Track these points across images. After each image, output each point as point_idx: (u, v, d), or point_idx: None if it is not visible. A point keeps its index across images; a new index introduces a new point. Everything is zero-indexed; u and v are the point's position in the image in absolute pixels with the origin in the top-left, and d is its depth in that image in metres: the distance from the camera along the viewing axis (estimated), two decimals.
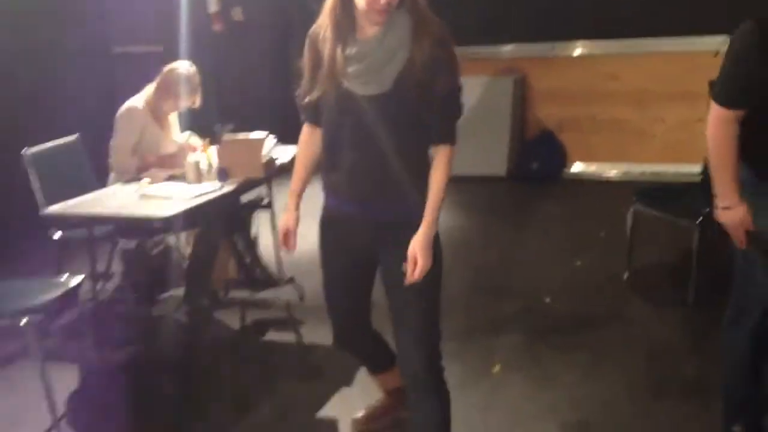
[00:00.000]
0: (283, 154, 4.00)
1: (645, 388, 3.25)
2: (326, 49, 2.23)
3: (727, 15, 6.54)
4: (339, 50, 2.21)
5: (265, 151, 3.70)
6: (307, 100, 2.37)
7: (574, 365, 3.47)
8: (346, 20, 2.21)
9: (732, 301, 2.62)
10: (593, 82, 6.64)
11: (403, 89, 2.21)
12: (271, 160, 3.75)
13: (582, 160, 6.73)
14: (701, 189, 4.32)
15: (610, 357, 3.53)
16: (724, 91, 2.38)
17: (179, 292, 4.19)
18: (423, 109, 2.25)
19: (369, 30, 2.22)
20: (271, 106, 6.88)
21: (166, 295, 4.23)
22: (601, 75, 6.61)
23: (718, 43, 6.23)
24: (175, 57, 4.38)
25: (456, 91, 2.31)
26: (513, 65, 6.90)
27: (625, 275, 4.39)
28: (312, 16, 2.35)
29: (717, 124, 2.38)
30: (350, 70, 2.21)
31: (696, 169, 4.37)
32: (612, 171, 6.62)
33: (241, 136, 3.77)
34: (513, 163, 6.72)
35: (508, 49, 6.96)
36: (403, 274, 2.28)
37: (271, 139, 3.88)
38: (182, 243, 4.40)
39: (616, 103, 6.59)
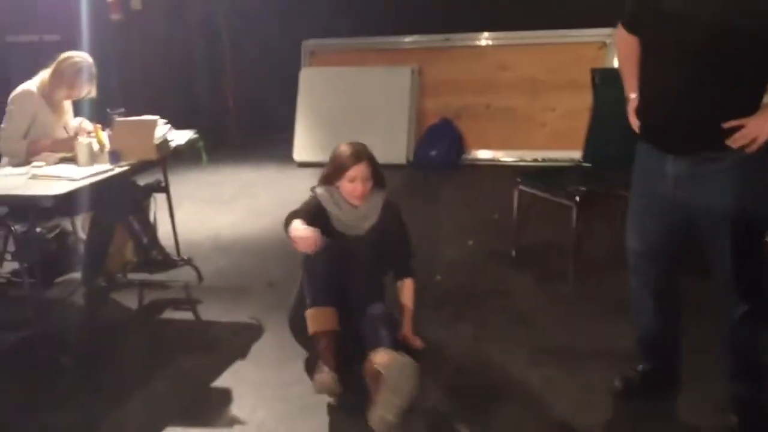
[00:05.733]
0: (177, 137, 4.07)
1: (521, 355, 3.47)
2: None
3: (613, 9, 6.91)
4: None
5: (158, 134, 3.76)
6: None
7: (459, 336, 3.67)
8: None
9: None
10: (486, 72, 6.91)
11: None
12: (165, 143, 3.82)
13: (478, 147, 6.99)
14: (579, 170, 4.62)
15: (491, 328, 3.74)
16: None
17: (76, 275, 4.23)
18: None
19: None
20: (170, 94, 6.90)
21: (62, 278, 4.25)
22: (494, 65, 6.88)
23: (604, 35, 6.61)
24: (72, 46, 4.38)
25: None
26: (409, 56, 7.11)
27: (513, 252, 4.63)
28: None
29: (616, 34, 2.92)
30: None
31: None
32: (506, 157, 6.90)
33: (133, 119, 3.82)
34: (413, 151, 6.92)
35: (404, 40, 7.17)
36: None
37: (164, 124, 3.94)
38: (78, 227, 4.42)
39: (508, 93, 6.88)
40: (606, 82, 4.98)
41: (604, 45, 6.59)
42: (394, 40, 7.17)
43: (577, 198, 4.08)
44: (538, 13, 6.60)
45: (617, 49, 3.04)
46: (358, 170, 3.31)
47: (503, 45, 6.89)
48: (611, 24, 6.52)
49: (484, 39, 6.94)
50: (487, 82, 6.91)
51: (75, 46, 6.16)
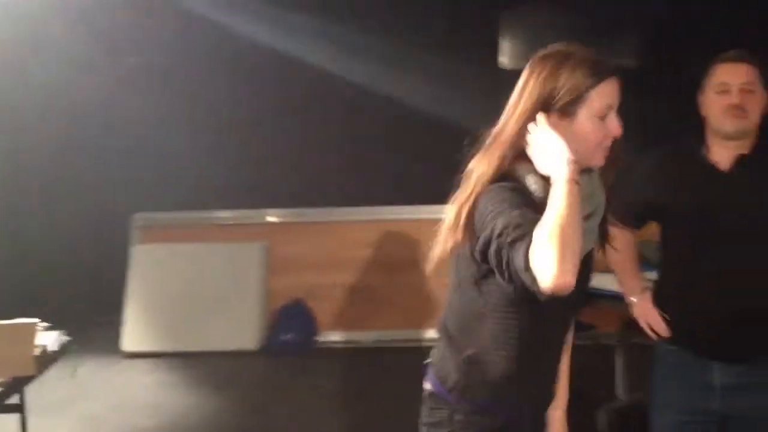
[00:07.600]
0: (45, 340, 3.20)
1: None
2: None
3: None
4: None
5: (37, 341, 2.90)
6: None
7: None
8: None
9: None
10: (340, 249, 6.52)
11: None
12: (45, 352, 2.95)
13: (333, 328, 6.46)
14: None
15: None
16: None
17: None
18: None
19: None
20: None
21: None
22: (348, 242, 6.52)
23: None
24: None
25: None
26: (257, 232, 6.58)
27: None
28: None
29: None
30: None
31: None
32: (362, 338, 6.42)
33: (5, 323, 2.93)
34: (264, 336, 6.25)
35: (251, 214, 6.65)
36: None
37: (40, 326, 3.08)
38: None
39: (364, 271, 6.52)
40: None
41: None
42: (240, 214, 6.63)
43: None
44: (394, 189, 6.44)
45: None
46: (616, 89, 1.82)
47: (358, 221, 6.58)
48: None
49: (339, 215, 6.60)
50: (341, 260, 6.51)
51: None
